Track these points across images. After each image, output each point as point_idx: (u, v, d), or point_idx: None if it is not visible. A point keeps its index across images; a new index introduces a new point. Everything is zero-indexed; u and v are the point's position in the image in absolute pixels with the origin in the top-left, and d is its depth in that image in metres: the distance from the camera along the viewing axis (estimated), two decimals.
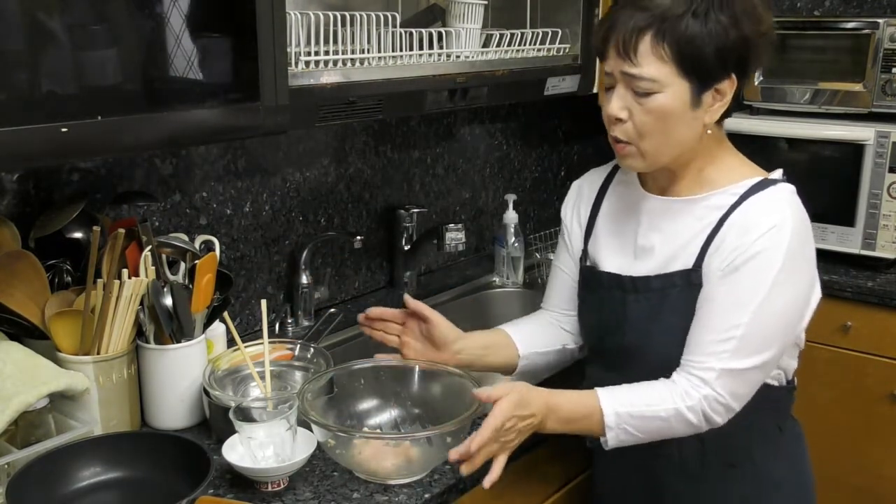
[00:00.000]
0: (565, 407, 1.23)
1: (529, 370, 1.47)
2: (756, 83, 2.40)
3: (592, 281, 1.38)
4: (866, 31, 2.22)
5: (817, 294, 1.28)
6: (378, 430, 1.38)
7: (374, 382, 1.41)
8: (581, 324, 1.43)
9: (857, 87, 2.25)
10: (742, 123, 2.36)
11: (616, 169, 1.42)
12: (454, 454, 1.18)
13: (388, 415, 1.41)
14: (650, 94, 1.18)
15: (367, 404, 1.41)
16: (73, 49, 1.09)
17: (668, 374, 1.25)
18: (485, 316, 2.18)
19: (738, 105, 2.45)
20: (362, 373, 1.41)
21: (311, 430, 1.31)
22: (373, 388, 1.41)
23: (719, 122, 1.27)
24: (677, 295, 1.26)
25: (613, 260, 1.35)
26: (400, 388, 1.41)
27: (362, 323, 1.44)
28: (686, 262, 1.26)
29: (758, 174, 1.28)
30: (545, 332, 1.48)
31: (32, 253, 1.37)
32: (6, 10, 1.02)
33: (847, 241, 2.24)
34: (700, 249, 1.24)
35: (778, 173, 1.29)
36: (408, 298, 1.40)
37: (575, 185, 1.48)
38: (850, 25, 2.26)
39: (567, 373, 1.53)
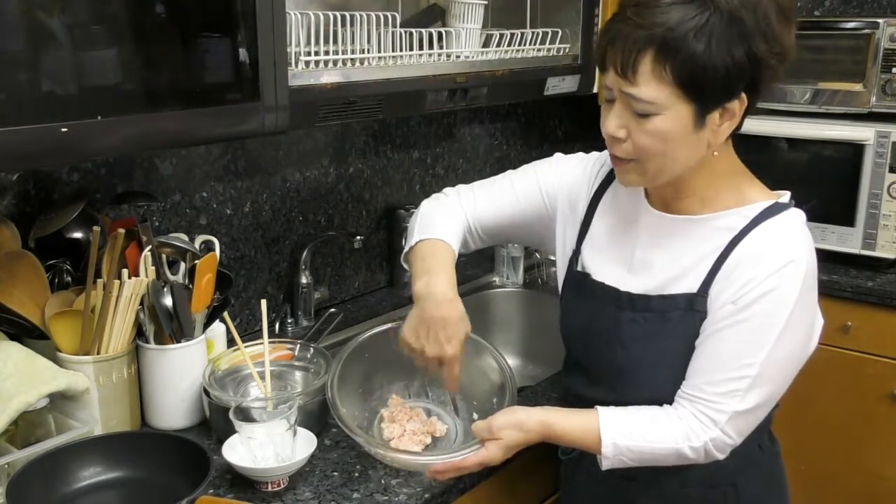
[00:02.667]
0: (563, 438, 1.23)
1: None
2: None
3: (583, 289, 1.31)
4: (866, 31, 2.22)
5: (820, 322, 1.25)
6: (404, 401, 1.38)
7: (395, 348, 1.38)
8: (565, 331, 1.38)
9: (857, 87, 2.25)
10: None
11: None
12: (434, 470, 1.21)
13: (414, 381, 1.42)
14: (649, 115, 1.11)
15: (392, 373, 1.41)
16: (73, 49, 1.09)
17: (655, 397, 1.22)
18: (485, 316, 2.19)
19: None
20: (381, 337, 1.38)
21: (311, 429, 1.31)
22: (395, 356, 1.38)
23: (730, 137, 1.20)
24: (678, 319, 1.21)
25: (608, 270, 1.29)
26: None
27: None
28: (690, 285, 1.20)
29: (767, 196, 1.22)
30: (459, 241, 1.38)
31: (32, 253, 1.37)
32: (6, 10, 1.02)
33: (847, 241, 2.24)
34: (707, 274, 1.19)
35: (786, 196, 1.23)
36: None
37: (592, 157, 1.38)
38: (850, 25, 2.26)
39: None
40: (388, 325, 1.38)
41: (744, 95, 1.13)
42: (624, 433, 1.19)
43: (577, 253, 1.35)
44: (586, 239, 1.34)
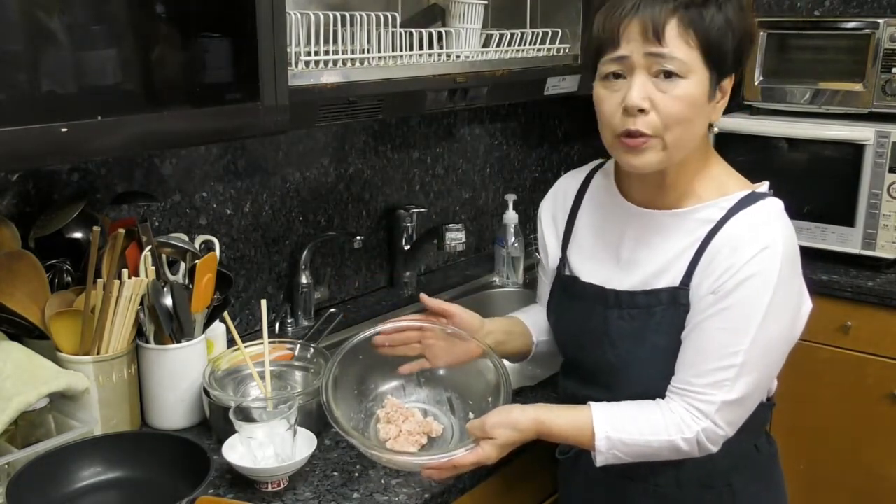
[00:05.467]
0: (557, 435, 1.23)
1: (540, 355, 1.47)
2: (756, 83, 2.40)
3: (573, 291, 1.33)
4: (866, 31, 2.22)
5: (807, 307, 1.25)
6: (400, 404, 1.38)
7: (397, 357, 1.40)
8: (557, 334, 1.39)
9: (857, 87, 2.25)
10: (742, 123, 2.36)
11: (593, 174, 1.37)
12: (428, 468, 1.21)
13: (414, 394, 1.41)
14: (676, 77, 1.13)
15: (388, 376, 1.40)
16: (73, 49, 1.09)
17: (647, 394, 1.22)
18: (485, 316, 2.17)
19: (738, 105, 2.47)
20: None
21: (311, 429, 1.31)
22: (390, 357, 1.39)
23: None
24: (662, 313, 1.22)
25: (595, 271, 1.30)
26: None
27: (381, 345, 1.36)
28: (673, 279, 1.21)
29: (745, 187, 1.24)
30: (529, 317, 1.47)
31: (32, 253, 1.37)
32: (6, 10, 1.02)
33: (847, 241, 2.24)
34: (688, 267, 1.20)
35: (764, 186, 1.25)
36: (425, 298, 1.37)
37: (551, 191, 1.43)
38: (850, 25, 2.26)
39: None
40: (381, 327, 1.38)
41: (733, 72, 1.19)
42: (617, 427, 1.19)
43: (563, 260, 1.36)
44: (571, 244, 1.36)
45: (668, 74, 1.13)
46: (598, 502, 1.36)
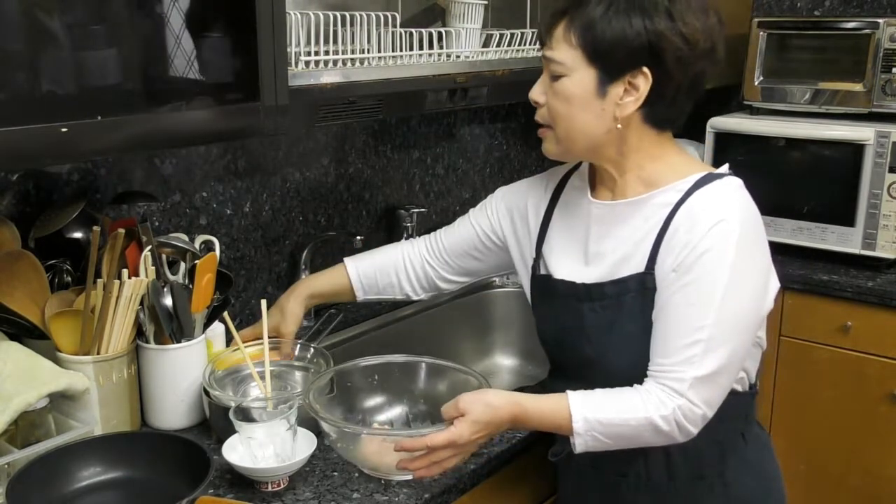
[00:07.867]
0: (534, 417, 1.22)
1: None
2: (756, 83, 2.40)
3: (548, 291, 1.35)
4: (866, 31, 2.22)
5: (774, 284, 1.26)
6: (386, 427, 1.38)
7: (382, 379, 1.42)
8: (540, 335, 1.41)
9: (857, 87, 2.25)
10: (742, 123, 2.36)
11: (569, 175, 1.41)
12: (404, 462, 1.20)
13: (397, 411, 1.42)
14: (559, 77, 1.21)
15: (375, 401, 1.42)
16: (73, 49, 1.09)
17: (628, 384, 1.22)
18: (485, 316, 2.18)
19: (739, 105, 2.47)
20: (372, 370, 1.42)
21: (311, 429, 1.31)
22: (381, 385, 1.42)
23: (661, 126, 1.25)
24: (632, 301, 1.23)
25: (566, 267, 1.33)
26: (408, 384, 1.42)
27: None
28: (638, 265, 1.23)
29: (702, 169, 1.26)
30: (393, 273, 1.56)
31: (32, 253, 1.37)
32: (6, 10, 1.02)
33: (847, 241, 2.24)
34: (651, 251, 1.22)
35: (724, 168, 1.27)
36: (239, 340, 1.43)
37: (544, 173, 1.46)
38: (850, 25, 2.26)
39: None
40: (364, 361, 1.41)
41: (647, 71, 1.18)
42: (593, 407, 1.19)
43: (537, 259, 1.38)
44: (545, 244, 1.38)
45: (554, 74, 1.22)
46: (593, 501, 1.36)
